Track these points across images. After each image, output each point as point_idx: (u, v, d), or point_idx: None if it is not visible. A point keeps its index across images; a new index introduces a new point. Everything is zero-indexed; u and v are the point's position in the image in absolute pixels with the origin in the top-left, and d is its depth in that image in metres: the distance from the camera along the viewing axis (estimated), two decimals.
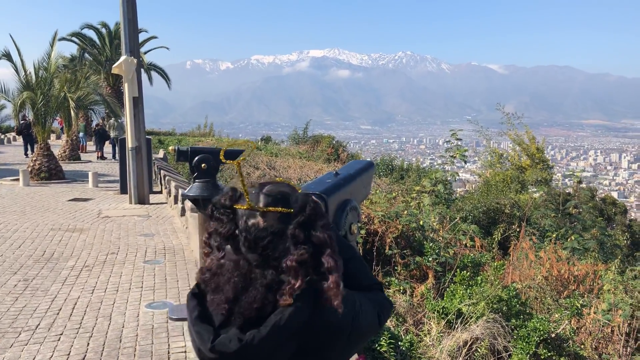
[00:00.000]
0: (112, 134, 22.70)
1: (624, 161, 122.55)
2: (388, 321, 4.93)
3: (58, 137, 31.74)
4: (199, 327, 1.27)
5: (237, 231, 1.31)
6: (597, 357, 6.04)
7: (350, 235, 1.80)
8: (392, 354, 4.20)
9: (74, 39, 31.52)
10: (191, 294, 1.34)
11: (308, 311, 1.25)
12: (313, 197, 1.37)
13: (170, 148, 4.19)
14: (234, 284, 1.25)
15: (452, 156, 12.82)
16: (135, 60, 11.49)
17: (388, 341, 4.23)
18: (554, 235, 10.05)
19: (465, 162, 14.35)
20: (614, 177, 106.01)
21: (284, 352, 1.25)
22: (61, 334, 4.68)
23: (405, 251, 6.95)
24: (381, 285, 1.59)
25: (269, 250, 1.26)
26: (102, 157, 23.22)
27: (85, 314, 5.17)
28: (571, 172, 14.44)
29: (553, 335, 5.55)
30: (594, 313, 6.47)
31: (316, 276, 1.27)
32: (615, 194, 41.76)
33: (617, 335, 6.32)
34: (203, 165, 4.04)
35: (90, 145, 27.35)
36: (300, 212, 1.29)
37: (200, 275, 1.33)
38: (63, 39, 30.28)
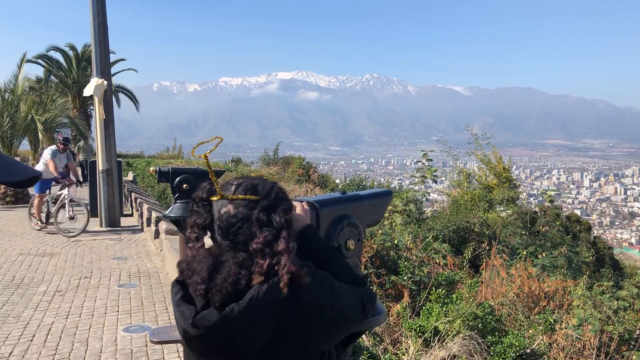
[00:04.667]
0: (80, 157, 22.37)
1: (586, 180, 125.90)
2: (366, 340, 4.96)
3: (24, 161, 31.06)
4: (182, 307, 1.34)
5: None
6: None
7: (345, 251, 1.83)
8: None
9: (39, 61, 31.05)
10: (175, 280, 1.42)
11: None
12: (279, 185, 1.48)
13: (151, 169, 4.17)
14: (206, 264, 1.34)
15: (423, 176, 13.03)
16: (106, 83, 11.42)
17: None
18: (524, 253, 10.26)
19: (436, 182, 14.57)
20: (577, 196, 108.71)
21: (262, 329, 1.31)
22: None
23: (380, 270, 7.00)
24: (364, 280, 1.66)
25: (239, 236, 1.37)
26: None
27: (60, 339, 5.06)
28: (543, 191, 14.83)
29: (528, 350, 5.66)
30: (565, 328, 6.62)
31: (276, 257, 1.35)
32: (578, 212, 42.85)
33: (589, 349, 6.47)
34: (185, 185, 4.05)
35: None
36: (266, 197, 1.41)
37: (177, 268, 1.41)
38: (29, 61, 29.81)
